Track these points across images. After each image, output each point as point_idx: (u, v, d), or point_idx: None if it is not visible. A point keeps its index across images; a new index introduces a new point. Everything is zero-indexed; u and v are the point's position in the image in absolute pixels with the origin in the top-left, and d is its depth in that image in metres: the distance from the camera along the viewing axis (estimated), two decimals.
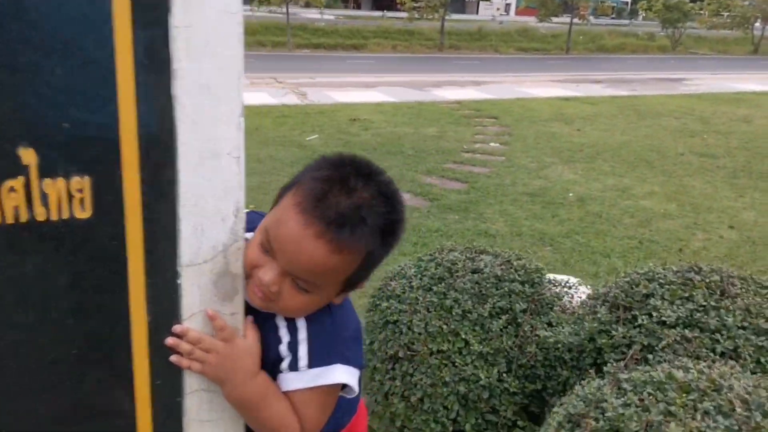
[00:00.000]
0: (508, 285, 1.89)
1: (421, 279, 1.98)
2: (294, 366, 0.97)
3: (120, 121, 0.83)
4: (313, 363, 0.96)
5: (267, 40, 23.04)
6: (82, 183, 0.84)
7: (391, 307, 1.94)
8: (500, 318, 1.84)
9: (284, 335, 0.99)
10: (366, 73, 16.56)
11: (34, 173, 0.81)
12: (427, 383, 1.78)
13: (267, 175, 6.44)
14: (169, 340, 0.95)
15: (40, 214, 0.84)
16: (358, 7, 52.92)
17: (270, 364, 0.99)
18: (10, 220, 0.82)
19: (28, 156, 0.80)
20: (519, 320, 1.84)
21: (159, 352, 0.96)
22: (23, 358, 0.89)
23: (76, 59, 0.79)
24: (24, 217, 0.83)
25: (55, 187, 0.83)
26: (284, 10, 22.25)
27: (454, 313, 1.82)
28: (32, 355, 0.89)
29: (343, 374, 0.97)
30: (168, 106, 0.84)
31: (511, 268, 1.97)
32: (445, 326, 1.80)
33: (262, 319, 1.01)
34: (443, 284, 1.92)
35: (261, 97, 11.68)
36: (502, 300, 1.86)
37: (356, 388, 1.01)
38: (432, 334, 1.80)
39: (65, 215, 0.85)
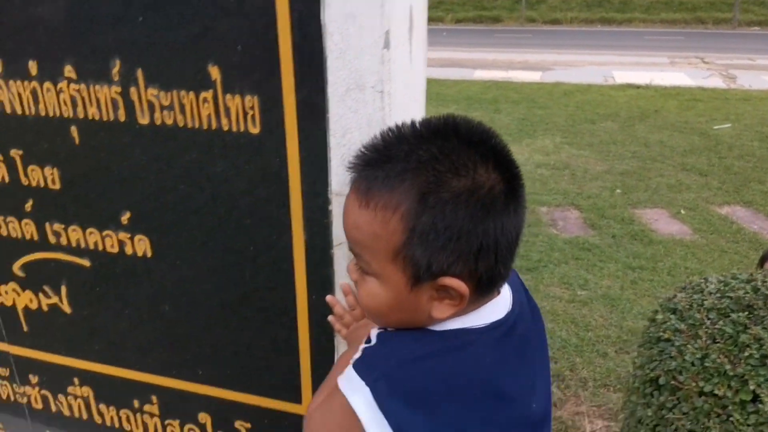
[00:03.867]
0: None
1: (720, 299, 1.52)
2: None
3: (279, 46, 0.89)
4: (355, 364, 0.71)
5: (709, 17, 20.29)
6: (252, 101, 0.94)
7: (668, 321, 1.56)
8: None
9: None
10: None
11: (219, 88, 0.95)
12: (686, 427, 1.38)
13: (649, 162, 5.82)
14: (329, 298, 0.99)
15: (225, 125, 0.98)
16: None
17: None
18: (205, 126, 0.99)
19: (214, 72, 0.94)
20: None
21: (315, 270, 1.02)
22: (212, 246, 1.08)
23: None
24: (215, 125, 0.98)
25: (234, 102, 0.95)
26: None
27: (748, 354, 1.35)
28: (218, 244, 1.07)
29: (360, 400, 0.67)
30: (318, 33, 0.85)
31: None
32: (730, 367, 1.36)
33: None
34: (748, 315, 1.43)
35: (677, 77, 10.46)
36: None
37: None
38: (708, 371, 1.37)
39: (242, 128, 0.97)
